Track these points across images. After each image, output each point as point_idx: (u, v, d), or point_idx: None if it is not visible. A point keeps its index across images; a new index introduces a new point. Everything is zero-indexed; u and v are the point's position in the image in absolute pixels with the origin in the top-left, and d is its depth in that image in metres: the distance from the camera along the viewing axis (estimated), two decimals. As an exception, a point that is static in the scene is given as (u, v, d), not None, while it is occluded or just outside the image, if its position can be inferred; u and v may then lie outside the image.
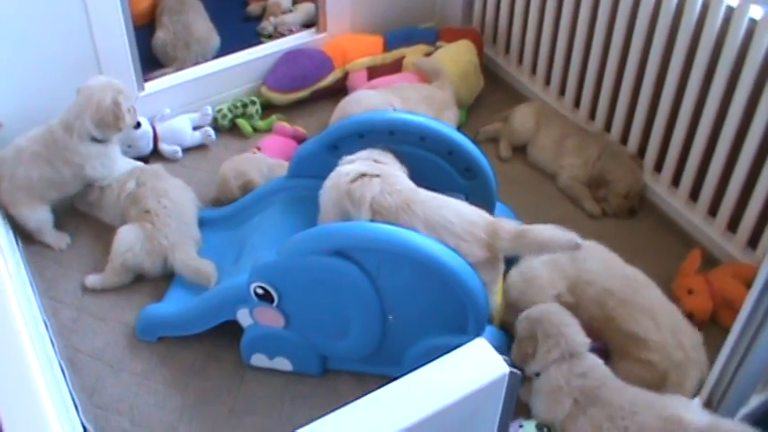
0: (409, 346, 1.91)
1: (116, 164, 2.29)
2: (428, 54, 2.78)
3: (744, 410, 1.83)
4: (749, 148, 2.14)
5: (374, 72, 2.74)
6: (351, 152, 2.01)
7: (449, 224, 1.81)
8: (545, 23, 2.64)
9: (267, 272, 1.84)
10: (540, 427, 1.78)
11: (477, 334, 1.86)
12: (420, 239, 1.76)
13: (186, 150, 2.59)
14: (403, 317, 1.86)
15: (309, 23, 3.08)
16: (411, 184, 1.92)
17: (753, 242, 2.26)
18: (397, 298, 1.83)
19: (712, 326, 2.18)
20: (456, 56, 2.71)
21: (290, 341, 1.95)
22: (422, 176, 1.98)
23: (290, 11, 3.11)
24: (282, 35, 2.91)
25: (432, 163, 2.06)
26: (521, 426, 1.79)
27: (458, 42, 2.76)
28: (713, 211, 2.34)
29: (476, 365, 1.03)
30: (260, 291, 1.87)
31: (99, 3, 2.27)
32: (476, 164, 2.06)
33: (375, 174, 1.89)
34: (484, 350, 1.05)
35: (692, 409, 1.71)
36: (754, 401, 1.87)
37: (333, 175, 1.93)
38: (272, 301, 1.88)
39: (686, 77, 2.24)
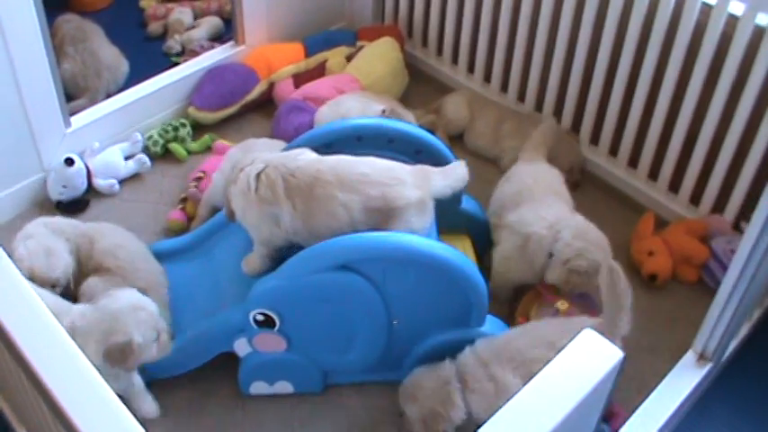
0: (412, 347, 1.90)
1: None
2: (351, 55, 2.77)
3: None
4: (686, 111, 2.25)
5: (299, 79, 2.70)
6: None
7: (364, 176, 1.80)
8: (465, 11, 2.67)
9: (268, 297, 1.78)
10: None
11: (480, 325, 1.89)
12: (424, 242, 1.76)
13: (122, 182, 2.46)
14: (407, 320, 1.86)
15: (215, 37, 3.01)
16: (314, 155, 1.89)
17: (695, 199, 2.38)
18: (402, 303, 1.82)
19: (673, 282, 2.30)
20: (382, 54, 2.71)
21: (291, 363, 1.90)
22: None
23: (194, 26, 3.01)
24: (195, 52, 2.81)
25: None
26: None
27: (380, 40, 2.75)
28: (654, 174, 2.45)
29: (595, 355, 1.05)
30: (260, 317, 1.81)
31: (19, 39, 2.12)
32: (443, 159, 2.06)
33: (265, 165, 1.84)
34: (595, 340, 1.07)
35: None
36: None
37: (236, 196, 1.86)
38: (273, 326, 1.82)
39: (618, 50, 2.33)
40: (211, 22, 3.02)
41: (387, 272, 1.76)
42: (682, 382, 1.90)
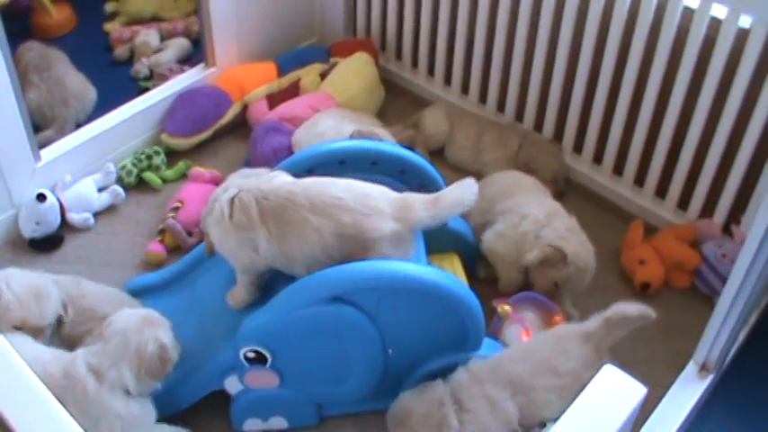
0: (409, 374, 1.84)
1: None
2: (325, 72, 2.71)
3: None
4: (671, 116, 2.22)
5: (273, 99, 2.63)
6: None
7: (338, 200, 1.71)
8: (440, 21, 2.62)
9: (259, 334, 1.72)
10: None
11: (476, 348, 1.84)
12: (418, 269, 1.71)
13: (97, 215, 2.38)
14: (402, 348, 1.80)
15: (184, 59, 2.93)
16: (289, 178, 1.82)
17: (683, 204, 2.35)
18: (397, 331, 1.76)
19: (666, 289, 2.26)
20: (357, 70, 2.65)
21: (285, 399, 1.84)
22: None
23: (161, 49, 2.94)
24: (164, 76, 2.73)
25: (383, 185, 1.99)
26: (543, 426, 1.78)
27: (354, 56, 2.70)
28: (640, 180, 2.42)
29: (618, 394, 1.00)
30: (251, 354, 1.74)
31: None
32: (429, 178, 2.02)
33: (238, 190, 1.78)
34: (617, 376, 1.02)
35: None
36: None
37: (212, 226, 1.80)
38: (265, 362, 1.76)
39: (600, 57, 2.29)
40: (179, 44, 2.95)
41: (381, 301, 1.70)
42: (685, 394, 1.87)
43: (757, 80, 2.03)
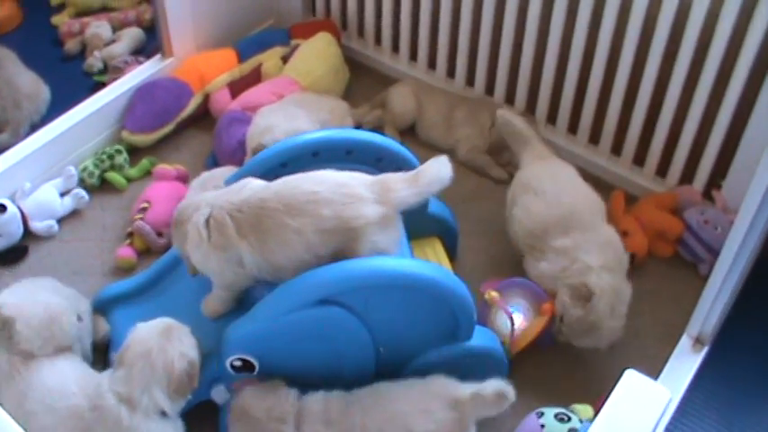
0: (400, 370, 1.80)
1: None
2: (287, 55, 2.62)
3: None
4: (648, 82, 2.18)
5: (235, 87, 2.54)
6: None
7: (312, 195, 1.63)
8: (403, -3, 2.55)
9: (245, 342, 1.65)
10: (559, 415, 1.74)
11: (468, 338, 1.79)
12: (406, 264, 1.65)
13: (61, 221, 2.28)
14: (393, 344, 1.74)
15: (138, 50, 2.82)
16: (259, 183, 1.74)
17: (661, 171, 2.32)
18: (387, 328, 1.71)
19: (650, 259, 2.24)
20: (321, 51, 2.57)
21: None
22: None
23: (113, 40, 2.82)
24: (119, 69, 2.62)
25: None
26: (541, 414, 1.74)
27: (316, 36, 2.61)
28: (617, 149, 2.38)
29: (644, 401, 0.96)
30: (238, 363, 1.68)
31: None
32: (406, 164, 1.95)
33: (211, 208, 1.70)
34: (641, 382, 0.98)
35: None
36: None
37: (192, 251, 1.72)
38: (252, 369, 1.70)
39: (572, 25, 2.24)
40: (132, 34, 2.83)
41: (369, 299, 1.64)
42: (682, 369, 1.84)
43: (734, 43, 1.99)
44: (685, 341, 1.89)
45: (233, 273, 1.70)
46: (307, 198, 1.64)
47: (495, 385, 1.62)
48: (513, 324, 1.92)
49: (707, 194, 2.26)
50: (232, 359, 1.67)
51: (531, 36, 2.33)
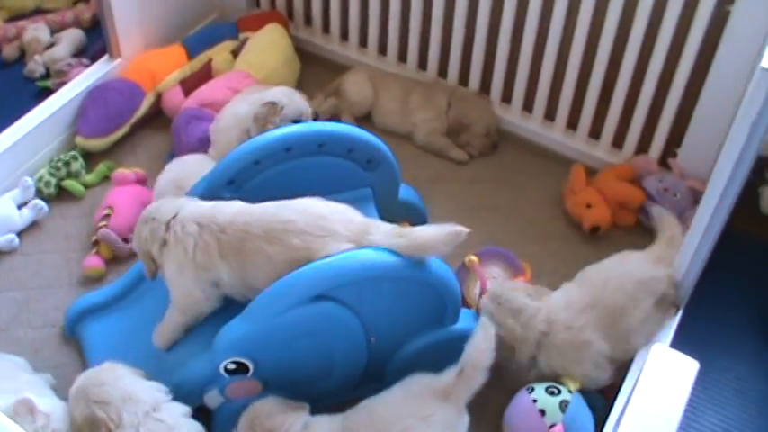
0: (391, 358, 1.82)
1: None
2: (236, 49, 2.59)
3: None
4: (602, 56, 2.24)
5: (187, 85, 2.50)
6: (247, 183, 1.85)
7: (289, 224, 1.64)
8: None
9: (239, 344, 1.64)
10: (550, 388, 1.78)
11: (455, 322, 1.82)
12: (389, 255, 1.64)
13: (21, 234, 2.22)
14: (384, 334, 1.76)
15: (79, 51, 2.74)
16: (239, 206, 1.73)
17: (617, 142, 2.38)
18: (378, 318, 1.72)
19: (612, 229, 2.29)
20: (272, 43, 2.55)
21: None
22: (322, 183, 1.85)
23: (53, 43, 2.73)
24: (63, 73, 2.55)
25: (332, 166, 1.93)
26: (532, 389, 1.78)
27: (265, 28, 2.58)
28: (572, 124, 2.42)
29: (674, 372, 1.00)
30: (232, 366, 1.67)
31: None
32: (377, 153, 1.96)
33: (198, 227, 1.69)
34: (670, 355, 1.02)
35: None
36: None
37: (168, 261, 1.71)
38: (247, 371, 1.69)
39: (525, 3, 2.27)
40: (72, 36, 2.74)
41: (362, 292, 1.65)
42: (664, 334, 1.88)
43: (686, 14, 2.05)
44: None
45: (202, 292, 1.70)
46: (283, 226, 1.64)
47: (472, 357, 1.61)
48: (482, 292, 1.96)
49: (663, 162, 2.32)
50: (226, 362, 1.66)
51: (483, 16, 2.35)
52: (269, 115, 2.06)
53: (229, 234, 1.66)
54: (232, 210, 1.71)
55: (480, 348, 1.62)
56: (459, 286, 1.76)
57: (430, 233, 1.65)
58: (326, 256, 1.61)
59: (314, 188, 1.79)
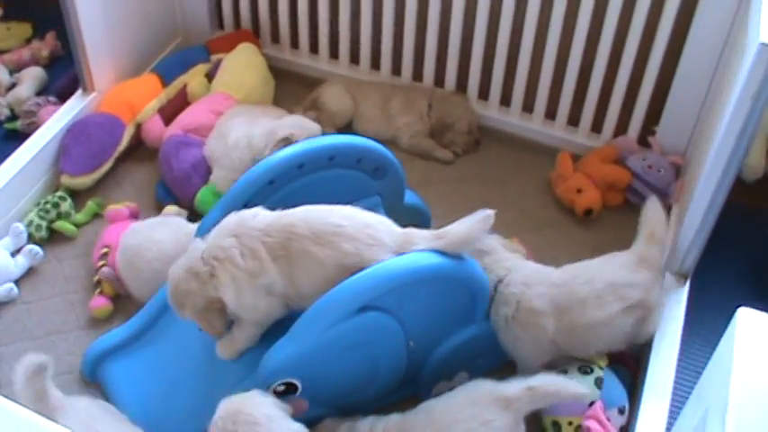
0: (426, 360, 1.84)
1: None
2: (210, 72, 2.56)
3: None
4: (577, 44, 2.30)
5: (165, 112, 2.46)
6: (262, 203, 1.83)
7: (338, 228, 1.66)
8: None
9: (289, 365, 1.63)
10: (582, 368, 1.82)
11: (484, 317, 1.86)
12: (430, 257, 1.67)
13: (18, 282, 2.15)
14: (421, 337, 1.79)
15: (41, 90, 2.66)
16: (270, 212, 1.73)
17: (596, 127, 2.46)
18: (416, 321, 1.74)
19: (605, 210, 2.37)
20: (247, 62, 2.53)
21: (312, 418, 1.75)
22: (334, 195, 1.84)
23: (14, 84, 2.65)
24: (32, 113, 2.47)
25: (342, 178, 1.94)
26: (565, 371, 1.81)
27: (238, 48, 2.57)
28: (551, 114, 2.49)
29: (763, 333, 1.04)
30: (281, 388, 1.66)
31: None
32: (384, 161, 1.98)
33: (236, 237, 1.66)
34: (755, 316, 1.07)
35: None
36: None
37: (225, 285, 1.65)
38: (295, 391, 1.68)
39: (499, 1, 2.32)
40: (33, 74, 2.66)
41: (401, 298, 1.67)
42: (676, 306, 1.95)
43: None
44: (669, 278, 2.01)
45: (267, 304, 1.67)
46: (333, 230, 1.64)
47: (551, 380, 1.65)
48: None
49: (642, 141, 2.41)
50: (275, 385, 1.65)
51: (457, 16, 2.39)
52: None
53: (275, 236, 1.63)
54: (266, 215, 1.69)
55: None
56: (487, 279, 1.79)
57: (464, 226, 1.69)
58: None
59: (326, 202, 1.79)
